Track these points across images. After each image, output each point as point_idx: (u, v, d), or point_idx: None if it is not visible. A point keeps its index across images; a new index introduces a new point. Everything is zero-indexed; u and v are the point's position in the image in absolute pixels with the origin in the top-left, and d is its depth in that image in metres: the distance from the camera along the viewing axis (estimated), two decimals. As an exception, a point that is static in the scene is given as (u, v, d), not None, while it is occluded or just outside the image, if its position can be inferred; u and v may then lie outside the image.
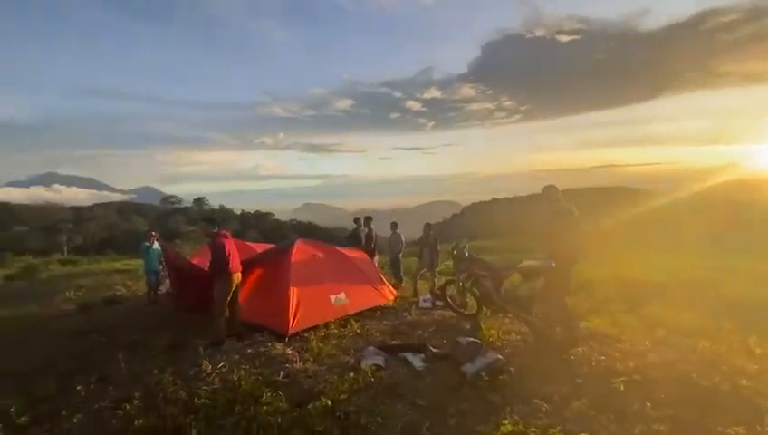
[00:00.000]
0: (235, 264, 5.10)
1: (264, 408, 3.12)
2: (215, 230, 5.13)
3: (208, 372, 3.98)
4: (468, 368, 3.49)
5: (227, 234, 5.27)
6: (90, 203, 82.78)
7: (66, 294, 9.67)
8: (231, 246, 5.12)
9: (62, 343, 5.55)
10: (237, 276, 5.12)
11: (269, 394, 3.30)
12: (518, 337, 4.61)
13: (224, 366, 4.13)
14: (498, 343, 4.35)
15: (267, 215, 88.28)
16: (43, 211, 64.86)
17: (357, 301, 5.97)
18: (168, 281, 7.78)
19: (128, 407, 3.30)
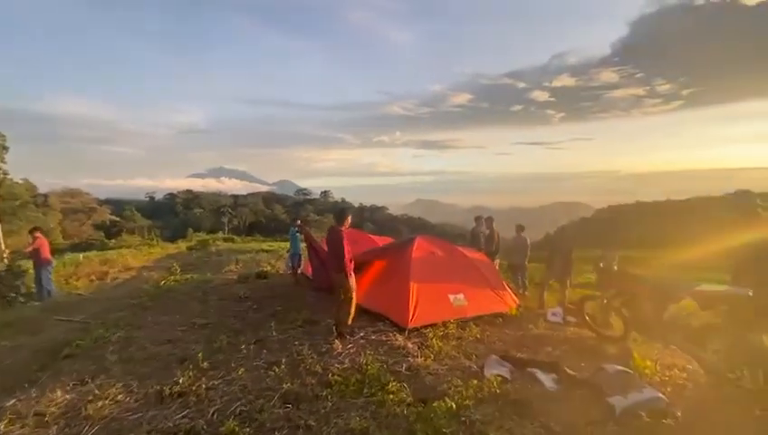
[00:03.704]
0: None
1: (391, 397, 3.25)
2: (335, 226, 5.05)
3: (339, 350, 4.37)
4: (618, 401, 2.99)
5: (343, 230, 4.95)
6: (244, 192, 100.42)
7: (229, 266, 11.91)
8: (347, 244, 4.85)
9: (229, 306, 6.81)
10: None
11: (395, 384, 3.43)
12: (683, 375, 3.76)
13: (351, 348, 4.48)
14: (656, 379, 3.62)
15: (381, 209, 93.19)
16: (213, 198, 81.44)
17: (476, 304, 5.76)
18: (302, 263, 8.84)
19: (277, 370, 3.85)
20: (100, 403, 3.33)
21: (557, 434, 2.82)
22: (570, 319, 5.70)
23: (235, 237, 32.29)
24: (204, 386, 3.56)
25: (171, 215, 69.91)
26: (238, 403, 3.29)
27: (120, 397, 3.47)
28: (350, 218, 5.16)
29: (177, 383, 3.58)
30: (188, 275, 10.03)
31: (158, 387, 3.57)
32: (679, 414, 2.90)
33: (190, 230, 45.56)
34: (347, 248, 4.82)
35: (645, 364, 3.78)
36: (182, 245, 24.13)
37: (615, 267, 4.51)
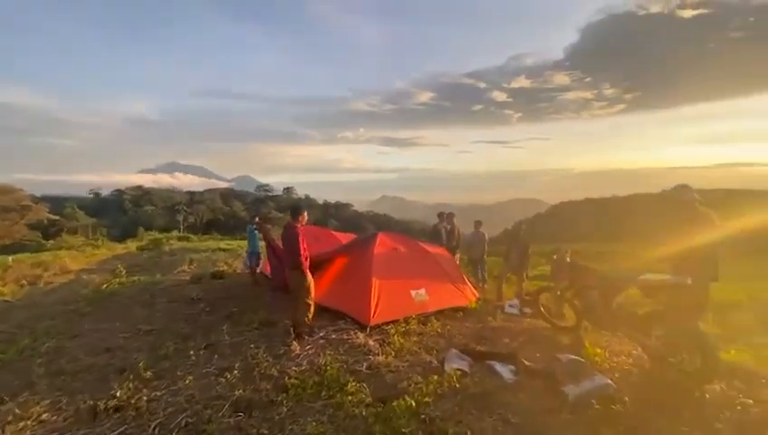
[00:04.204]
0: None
1: (349, 398, 3.14)
2: (290, 222, 4.86)
3: (297, 352, 4.19)
4: (571, 389, 3.07)
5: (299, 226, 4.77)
6: (201, 189, 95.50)
7: (182, 267, 11.21)
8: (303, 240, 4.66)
9: (179, 309, 6.37)
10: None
11: (354, 384, 3.33)
12: (629, 361, 3.97)
13: (310, 348, 4.31)
14: (605, 365, 3.79)
15: (346, 205, 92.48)
16: (166, 194, 76.73)
17: (437, 299, 5.78)
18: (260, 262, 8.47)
19: (229, 376, 3.61)
20: (21, 424, 2.98)
21: (514, 425, 2.85)
22: (526, 310, 5.87)
23: (191, 236, 30.52)
24: (145, 398, 3.27)
25: (119, 213, 65.03)
26: (184, 415, 3.05)
27: (45, 416, 3.11)
28: (305, 214, 4.96)
29: (113, 397, 3.26)
30: (135, 278, 9.30)
31: (92, 402, 3.24)
32: (627, 399, 3.04)
33: (141, 229, 42.53)
34: (302, 245, 4.62)
35: (595, 352, 3.95)
36: (132, 245, 22.44)
37: (567, 260, 4.69)
